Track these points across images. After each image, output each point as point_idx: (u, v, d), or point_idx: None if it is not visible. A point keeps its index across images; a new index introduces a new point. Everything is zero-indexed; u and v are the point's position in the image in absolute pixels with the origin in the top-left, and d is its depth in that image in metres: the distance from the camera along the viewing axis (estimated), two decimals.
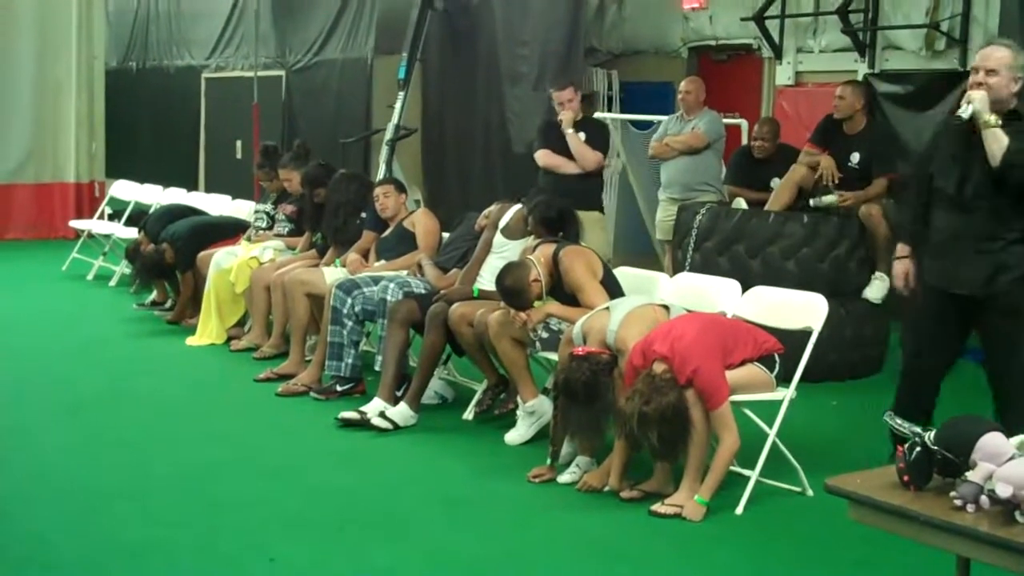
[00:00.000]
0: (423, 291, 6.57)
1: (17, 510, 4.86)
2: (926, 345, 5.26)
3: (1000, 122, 4.72)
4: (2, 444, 5.82)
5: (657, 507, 4.91)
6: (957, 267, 4.98)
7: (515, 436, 5.93)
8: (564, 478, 5.31)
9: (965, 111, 4.76)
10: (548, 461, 5.40)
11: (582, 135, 7.57)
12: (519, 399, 5.98)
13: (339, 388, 6.72)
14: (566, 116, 7.57)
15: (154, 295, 9.28)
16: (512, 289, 5.73)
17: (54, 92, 13.58)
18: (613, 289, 5.76)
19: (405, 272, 6.86)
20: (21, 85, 13.43)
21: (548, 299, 5.80)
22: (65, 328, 8.78)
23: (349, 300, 6.66)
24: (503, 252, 6.43)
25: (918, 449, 3.08)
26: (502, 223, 6.57)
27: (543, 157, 7.67)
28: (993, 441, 3.00)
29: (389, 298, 6.46)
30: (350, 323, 6.66)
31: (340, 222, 7.55)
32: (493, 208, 6.77)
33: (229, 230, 8.80)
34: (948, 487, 3.00)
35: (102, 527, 4.69)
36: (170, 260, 8.63)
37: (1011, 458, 2.95)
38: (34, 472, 5.38)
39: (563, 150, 7.60)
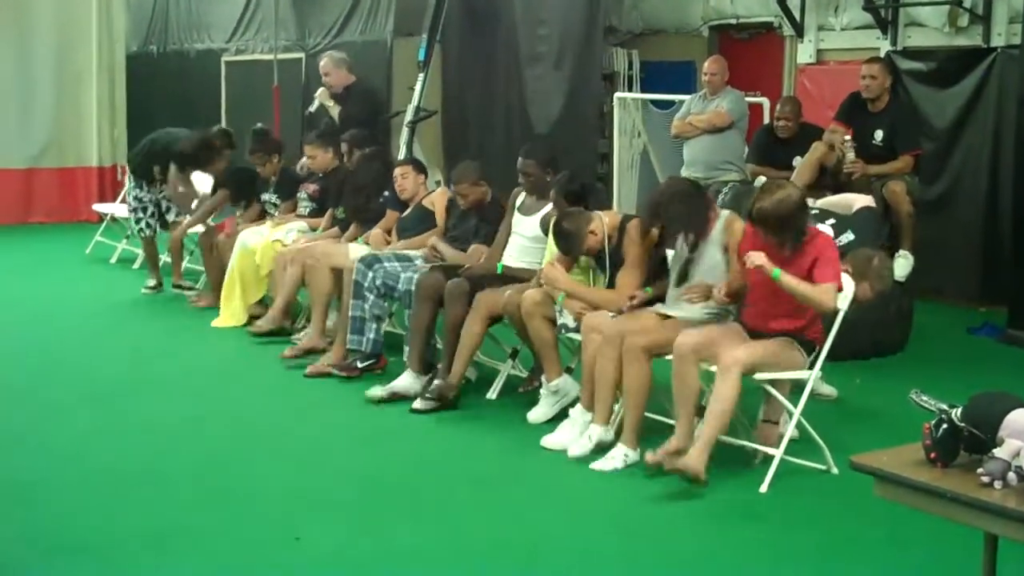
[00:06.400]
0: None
1: (44, 495, 4.89)
2: None
3: None
4: (28, 429, 5.85)
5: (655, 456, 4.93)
6: None
7: (538, 415, 5.94)
8: (599, 465, 5.21)
9: None
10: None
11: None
12: (543, 378, 5.98)
13: (360, 364, 6.72)
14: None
15: (152, 281, 9.31)
16: (568, 232, 5.70)
17: (75, 77, 13.61)
18: (660, 267, 5.69)
19: (421, 257, 6.83)
20: (43, 71, 13.46)
21: (588, 271, 5.81)
22: (89, 311, 8.81)
23: (371, 274, 6.67)
24: (522, 229, 6.43)
25: (944, 426, 3.06)
26: (518, 202, 6.56)
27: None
28: (1021, 418, 2.98)
29: (413, 277, 6.46)
30: (372, 296, 6.66)
31: (362, 200, 7.56)
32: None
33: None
34: (975, 464, 2.98)
35: (128, 511, 4.71)
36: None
37: None
38: (60, 457, 5.40)
39: None
